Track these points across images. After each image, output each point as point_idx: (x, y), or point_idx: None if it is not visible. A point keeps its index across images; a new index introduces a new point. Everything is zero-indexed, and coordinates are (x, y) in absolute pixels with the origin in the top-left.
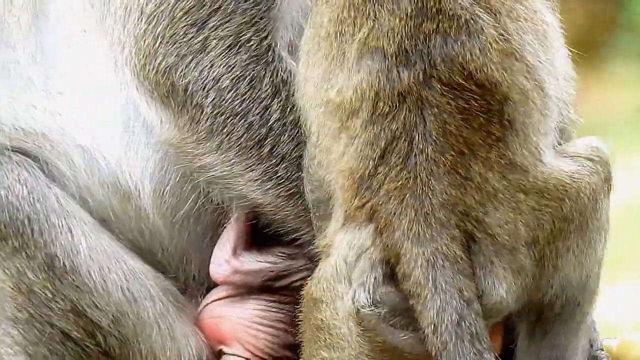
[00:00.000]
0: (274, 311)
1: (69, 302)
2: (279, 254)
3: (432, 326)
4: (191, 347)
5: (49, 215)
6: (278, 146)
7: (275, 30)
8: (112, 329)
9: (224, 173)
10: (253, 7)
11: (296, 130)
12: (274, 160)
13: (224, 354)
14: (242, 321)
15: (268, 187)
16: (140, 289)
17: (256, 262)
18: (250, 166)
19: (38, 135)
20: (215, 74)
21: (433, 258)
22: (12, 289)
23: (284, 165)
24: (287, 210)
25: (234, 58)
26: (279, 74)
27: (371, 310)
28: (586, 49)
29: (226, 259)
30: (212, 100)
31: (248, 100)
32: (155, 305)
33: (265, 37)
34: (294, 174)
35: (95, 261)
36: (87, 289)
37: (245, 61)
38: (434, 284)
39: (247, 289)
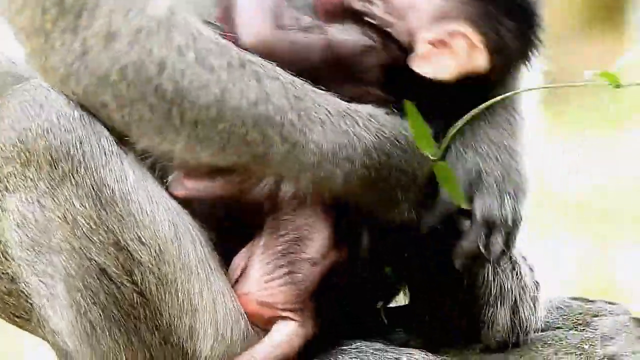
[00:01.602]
0: (272, 262)
1: (111, 234)
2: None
3: None
4: (225, 304)
5: (101, 138)
6: (185, 114)
7: (144, 11)
8: (153, 266)
9: (159, 154)
10: None
11: (196, 94)
12: (190, 126)
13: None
14: (258, 287)
15: (199, 150)
16: (184, 228)
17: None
18: (173, 140)
19: None
20: (102, 70)
21: None
22: (59, 218)
23: (200, 126)
24: (228, 160)
25: (113, 49)
26: (155, 51)
27: None
28: None
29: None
30: (111, 96)
31: (139, 85)
32: (196, 250)
33: (134, 19)
34: (213, 132)
35: (144, 190)
36: (132, 220)
37: (123, 49)
38: None
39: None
